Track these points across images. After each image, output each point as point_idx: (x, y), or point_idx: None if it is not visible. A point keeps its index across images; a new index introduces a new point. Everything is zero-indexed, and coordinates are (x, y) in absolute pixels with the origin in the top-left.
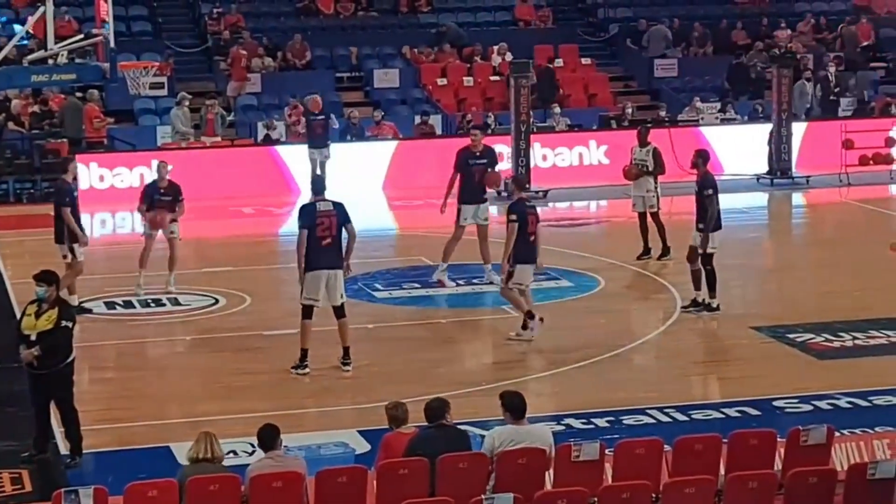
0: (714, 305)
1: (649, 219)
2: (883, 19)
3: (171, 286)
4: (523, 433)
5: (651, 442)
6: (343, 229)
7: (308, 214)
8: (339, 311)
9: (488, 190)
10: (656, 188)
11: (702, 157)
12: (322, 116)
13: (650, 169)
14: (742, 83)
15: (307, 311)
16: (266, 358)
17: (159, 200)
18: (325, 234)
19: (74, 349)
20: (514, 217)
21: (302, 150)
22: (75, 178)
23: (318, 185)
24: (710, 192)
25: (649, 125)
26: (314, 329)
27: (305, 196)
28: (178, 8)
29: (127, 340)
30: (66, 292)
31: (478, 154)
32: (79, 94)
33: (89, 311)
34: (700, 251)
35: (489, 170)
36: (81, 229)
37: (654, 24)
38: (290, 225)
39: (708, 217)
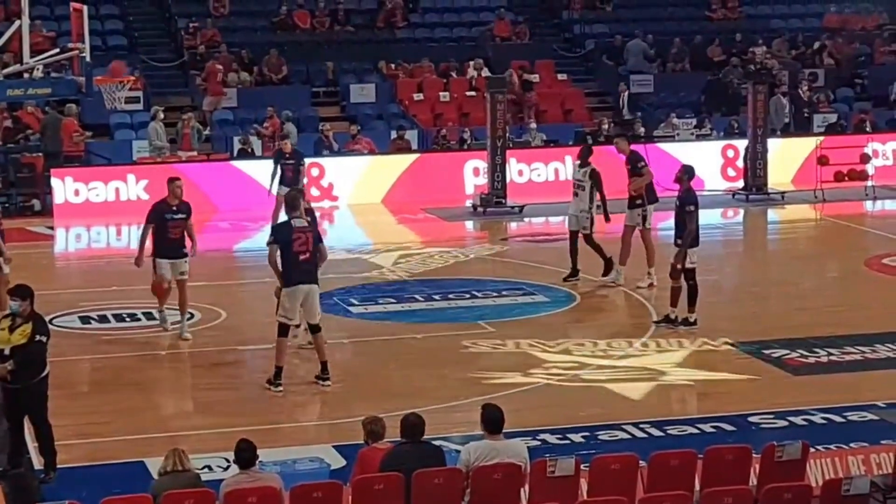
0: (692, 320)
1: (581, 240)
2: (858, 36)
3: (185, 332)
4: (499, 448)
5: (626, 457)
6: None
7: (281, 231)
8: (315, 327)
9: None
10: (590, 209)
11: (687, 172)
12: (292, 161)
13: (586, 190)
14: (718, 99)
15: (283, 329)
16: (241, 373)
17: (172, 220)
18: (303, 250)
19: (48, 364)
20: (272, 239)
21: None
22: None
23: (293, 202)
24: (692, 208)
25: (591, 144)
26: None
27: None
28: (154, 22)
29: (101, 355)
30: None
31: (626, 160)
32: (51, 109)
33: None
34: (678, 266)
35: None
36: None
37: (630, 39)
38: (265, 239)
39: (686, 233)
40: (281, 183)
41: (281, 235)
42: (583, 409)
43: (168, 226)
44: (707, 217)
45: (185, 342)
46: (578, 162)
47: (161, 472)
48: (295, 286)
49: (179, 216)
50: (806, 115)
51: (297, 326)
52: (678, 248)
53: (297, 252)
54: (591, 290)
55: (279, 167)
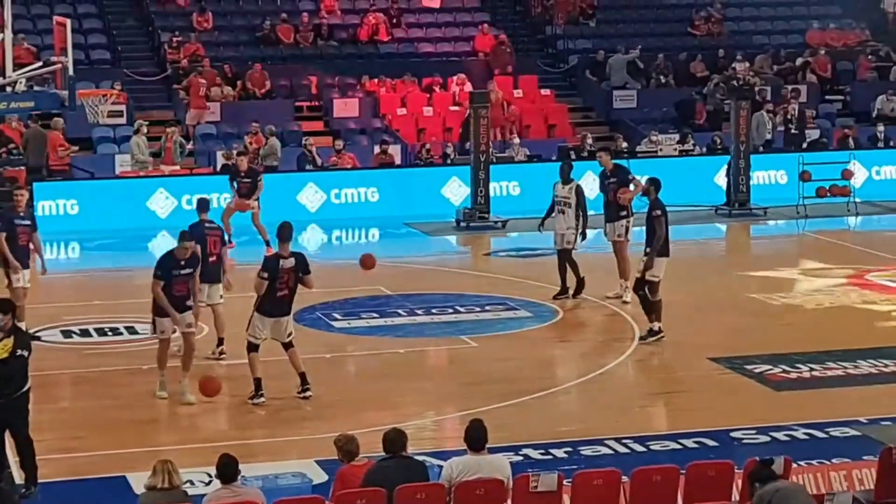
0: (655, 329)
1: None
2: (839, 52)
3: (187, 394)
4: (481, 463)
5: (609, 473)
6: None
7: (271, 268)
8: (287, 344)
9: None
10: (577, 226)
11: (654, 184)
12: (248, 179)
13: (572, 207)
14: (687, 114)
15: (251, 346)
16: (223, 387)
17: (178, 276)
18: (282, 287)
19: (30, 378)
20: (264, 275)
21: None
22: (20, 207)
23: (285, 233)
24: (658, 213)
25: (572, 161)
26: (270, 359)
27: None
28: (137, 36)
29: (83, 369)
30: None
31: (608, 174)
32: (34, 123)
33: (38, 337)
34: (640, 272)
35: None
36: (26, 257)
37: (612, 55)
38: (248, 254)
39: (655, 238)
40: (238, 197)
41: (270, 272)
42: (565, 424)
43: (173, 283)
44: (690, 232)
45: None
46: (561, 180)
47: (148, 486)
48: (266, 316)
49: (186, 271)
50: (794, 131)
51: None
52: (646, 255)
53: (278, 289)
54: (574, 306)
55: (234, 184)
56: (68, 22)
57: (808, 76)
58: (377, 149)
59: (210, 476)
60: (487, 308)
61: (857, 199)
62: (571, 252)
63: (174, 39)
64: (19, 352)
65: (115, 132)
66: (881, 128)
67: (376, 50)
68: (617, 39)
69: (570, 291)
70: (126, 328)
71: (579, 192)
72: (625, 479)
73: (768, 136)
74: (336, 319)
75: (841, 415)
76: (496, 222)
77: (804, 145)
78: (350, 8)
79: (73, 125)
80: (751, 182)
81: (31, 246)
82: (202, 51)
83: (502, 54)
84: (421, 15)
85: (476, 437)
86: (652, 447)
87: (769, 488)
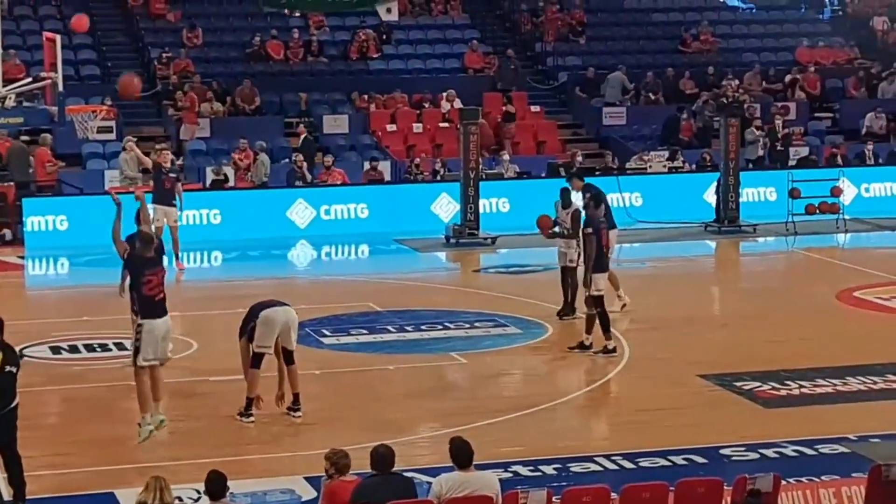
0: (610, 347)
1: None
2: (829, 70)
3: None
4: (470, 480)
5: (598, 490)
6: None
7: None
8: (290, 358)
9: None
10: (577, 247)
11: (594, 198)
12: (173, 174)
13: (569, 232)
14: (672, 132)
15: (257, 360)
16: (212, 403)
17: None
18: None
19: (18, 394)
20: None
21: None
22: None
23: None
24: (590, 231)
25: (570, 188)
26: (262, 375)
27: None
28: (127, 52)
29: (72, 385)
30: None
31: (583, 193)
32: (24, 138)
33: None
34: (586, 293)
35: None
36: None
37: (608, 72)
38: (237, 269)
39: (585, 257)
40: (155, 196)
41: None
42: (555, 440)
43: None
44: (679, 249)
45: None
46: (561, 202)
47: (138, 502)
48: (271, 314)
49: None
50: (780, 148)
51: None
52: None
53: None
54: (564, 323)
55: (161, 179)
56: (58, 38)
57: (797, 93)
58: (367, 165)
59: (198, 493)
60: (477, 324)
61: (847, 217)
62: (575, 271)
63: (164, 55)
64: (8, 368)
65: (104, 148)
66: (870, 145)
67: (366, 66)
68: (607, 56)
69: (569, 309)
70: (115, 344)
71: (576, 216)
72: (614, 495)
73: (760, 153)
74: (325, 336)
75: (830, 432)
76: (486, 238)
77: (790, 163)
78: (340, 25)
79: (62, 141)
80: (740, 199)
81: None
82: (192, 67)
83: (508, 72)
84: (411, 32)
85: (461, 454)
86: (641, 464)
87: None
